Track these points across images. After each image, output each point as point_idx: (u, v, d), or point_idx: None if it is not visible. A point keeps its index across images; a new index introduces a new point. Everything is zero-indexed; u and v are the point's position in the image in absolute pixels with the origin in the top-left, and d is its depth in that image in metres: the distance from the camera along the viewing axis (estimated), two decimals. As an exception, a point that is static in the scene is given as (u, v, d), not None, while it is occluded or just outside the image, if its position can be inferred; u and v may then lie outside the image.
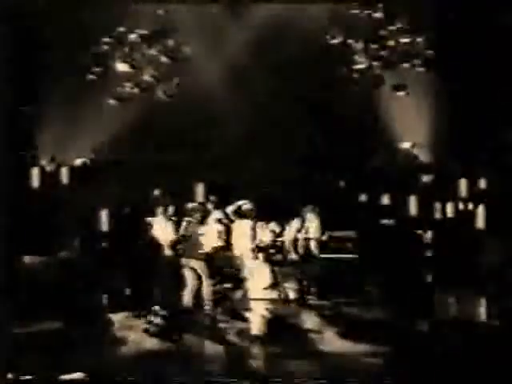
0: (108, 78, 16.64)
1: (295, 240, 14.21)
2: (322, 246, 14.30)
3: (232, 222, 13.86)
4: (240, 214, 13.82)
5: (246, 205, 13.80)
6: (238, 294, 13.40)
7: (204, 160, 15.81)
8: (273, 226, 14.17)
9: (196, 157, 15.82)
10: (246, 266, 13.48)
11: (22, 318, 12.25)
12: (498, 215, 14.90)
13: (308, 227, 14.21)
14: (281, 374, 10.98)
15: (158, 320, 12.42)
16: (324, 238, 14.26)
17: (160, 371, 11.02)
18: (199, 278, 13.17)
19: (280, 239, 14.15)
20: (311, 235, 14.15)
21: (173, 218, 13.89)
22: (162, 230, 13.81)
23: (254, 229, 13.56)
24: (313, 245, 14.19)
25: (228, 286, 13.70)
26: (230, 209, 13.93)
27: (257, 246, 13.63)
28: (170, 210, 14.16)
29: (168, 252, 13.67)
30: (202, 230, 13.51)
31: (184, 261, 13.31)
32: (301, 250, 14.18)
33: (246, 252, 13.43)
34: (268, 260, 13.84)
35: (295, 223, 14.24)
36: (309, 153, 15.97)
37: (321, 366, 11.22)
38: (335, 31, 16.61)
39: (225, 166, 15.60)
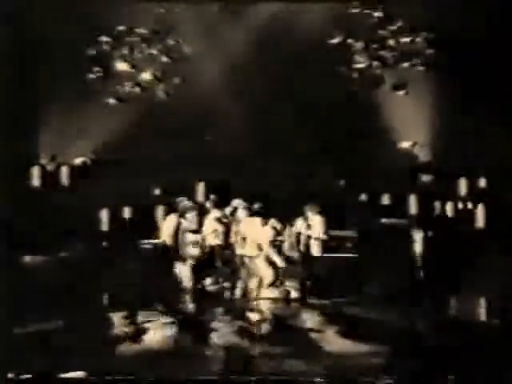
0: (108, 78, 16.65)
1: (298, 238, 14.13)
2: (325, 245, 14.24)
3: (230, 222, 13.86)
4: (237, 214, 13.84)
5: (241, 205, 13.81)
6: (238, 293, 13.42)
7: (204, 159, 15.81)
8: (273, 222, 14.11)
9: (196, 156, 15.83)
10: (247, 264, 13.50)
11: (22, 318, 12.24)
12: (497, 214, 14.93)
13: (310, 225, 14.14)
14: (281, 374, 10.97)
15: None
16: (325, 237, 14.21)
17: (158, 370, 11.03)
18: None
19: (279, 238, 14.12)
20: (313, 234, 14.09)
21: (187, 216, 13.74)
22: (172, 227, 13.70)
23: (265, 226, 13.53)
24: (315, 243, 14.12)
25: (227, 285, 13.70)
26: (226, 210, 13.93)
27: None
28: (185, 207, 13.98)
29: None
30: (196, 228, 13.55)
31: (178, 259, 13.36)
32: (302, 249, 14.12)
33: (254, 250, 13.39)
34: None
35: (299, 221, 14.15)
36: (308, 152, 15.98)
37: (321, 366, 11.20)
38: (335, 31, 16.62)
39: (225, 165, 15.62)
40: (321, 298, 13.69)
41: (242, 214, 13.84)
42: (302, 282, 13.74)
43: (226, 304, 13.24)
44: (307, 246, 14.07)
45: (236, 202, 13.97)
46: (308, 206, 14.12)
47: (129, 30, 16.95)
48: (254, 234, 13.54)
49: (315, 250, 14.02)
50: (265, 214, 13.75)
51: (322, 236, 14.02)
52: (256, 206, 13.82)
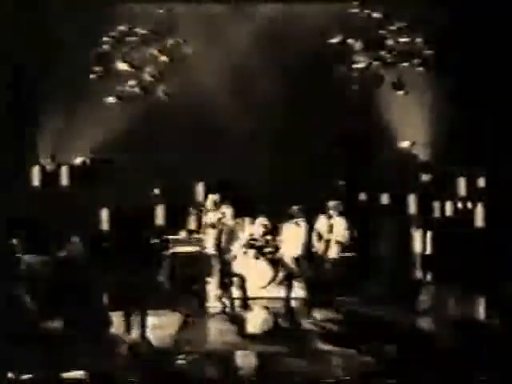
0: (108, 78, 16.67)
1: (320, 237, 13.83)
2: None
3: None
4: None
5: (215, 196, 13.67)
6: (236, 293, 13.43)
7: (204, 160, 15.84)
8: (262, 220, 14.05)
9: (196, 156, 15.86)
10: (246, 264, 13.51)
11: (23, 318, 12.25)
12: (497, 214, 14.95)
13: (332, 226, 13.79)
14: (280, 374, 10.98)
15: None
16: (344, 240, 13.81)
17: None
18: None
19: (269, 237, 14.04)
20: (336, 236, 13.74)
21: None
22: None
23: (305, 230, 13.33)
24: (335, 245, 13.75)
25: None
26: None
27: (249, 243, 13.67)
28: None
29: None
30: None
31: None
32: (319, 249, 13.89)
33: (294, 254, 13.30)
34: (264, 257, 13.88)
35: (321, 220, 13.84)
36: (308, 152, 16.00)
37: (321, 366, 11.21)
38: (335, 31, 16.64)
39: (225, 165, 15.64)
40: (321, 298, 13.72)
41: (228, 211, 13.72)
42: (308, 282, 13.69)
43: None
44: (326, 247, 13.78)
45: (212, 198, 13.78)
46: (331, 203, 13.72)
47: (129, 30, 16.95)
48: (291, 236, 13.39)
49: (333, 252, 13.65)
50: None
51: (343, 238, 13.63)
52: (295, 207, 13.54)
